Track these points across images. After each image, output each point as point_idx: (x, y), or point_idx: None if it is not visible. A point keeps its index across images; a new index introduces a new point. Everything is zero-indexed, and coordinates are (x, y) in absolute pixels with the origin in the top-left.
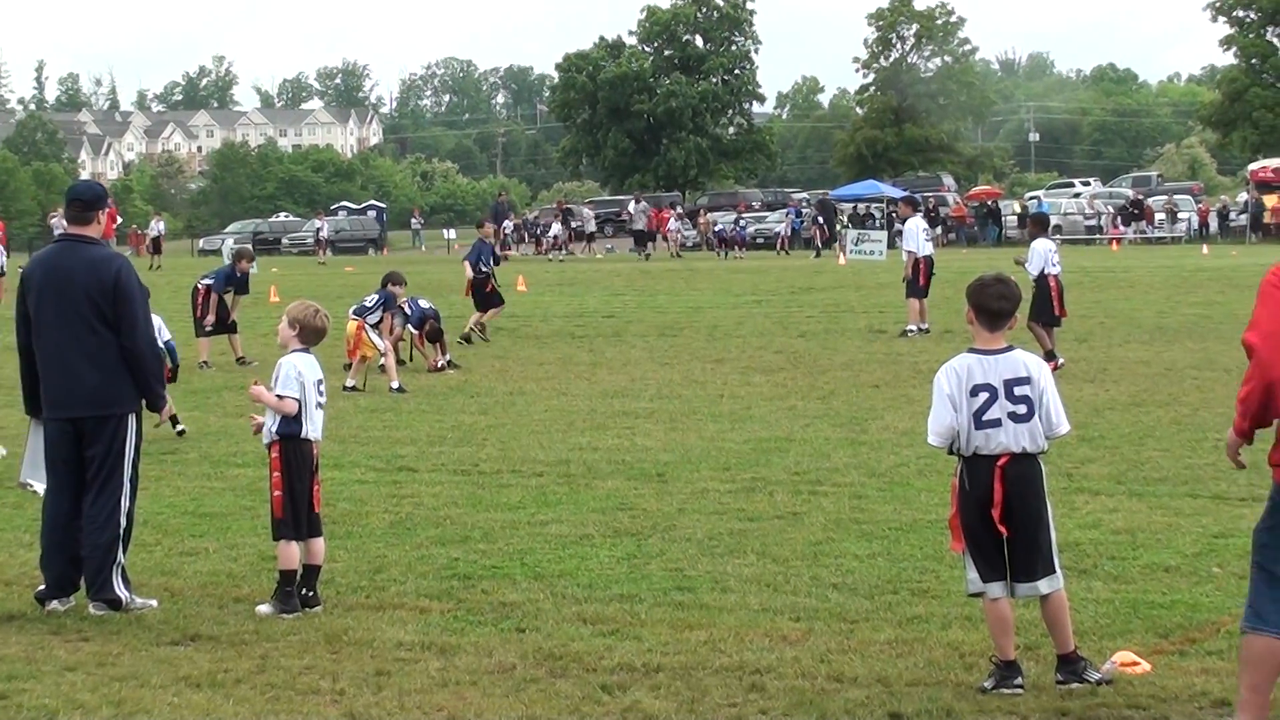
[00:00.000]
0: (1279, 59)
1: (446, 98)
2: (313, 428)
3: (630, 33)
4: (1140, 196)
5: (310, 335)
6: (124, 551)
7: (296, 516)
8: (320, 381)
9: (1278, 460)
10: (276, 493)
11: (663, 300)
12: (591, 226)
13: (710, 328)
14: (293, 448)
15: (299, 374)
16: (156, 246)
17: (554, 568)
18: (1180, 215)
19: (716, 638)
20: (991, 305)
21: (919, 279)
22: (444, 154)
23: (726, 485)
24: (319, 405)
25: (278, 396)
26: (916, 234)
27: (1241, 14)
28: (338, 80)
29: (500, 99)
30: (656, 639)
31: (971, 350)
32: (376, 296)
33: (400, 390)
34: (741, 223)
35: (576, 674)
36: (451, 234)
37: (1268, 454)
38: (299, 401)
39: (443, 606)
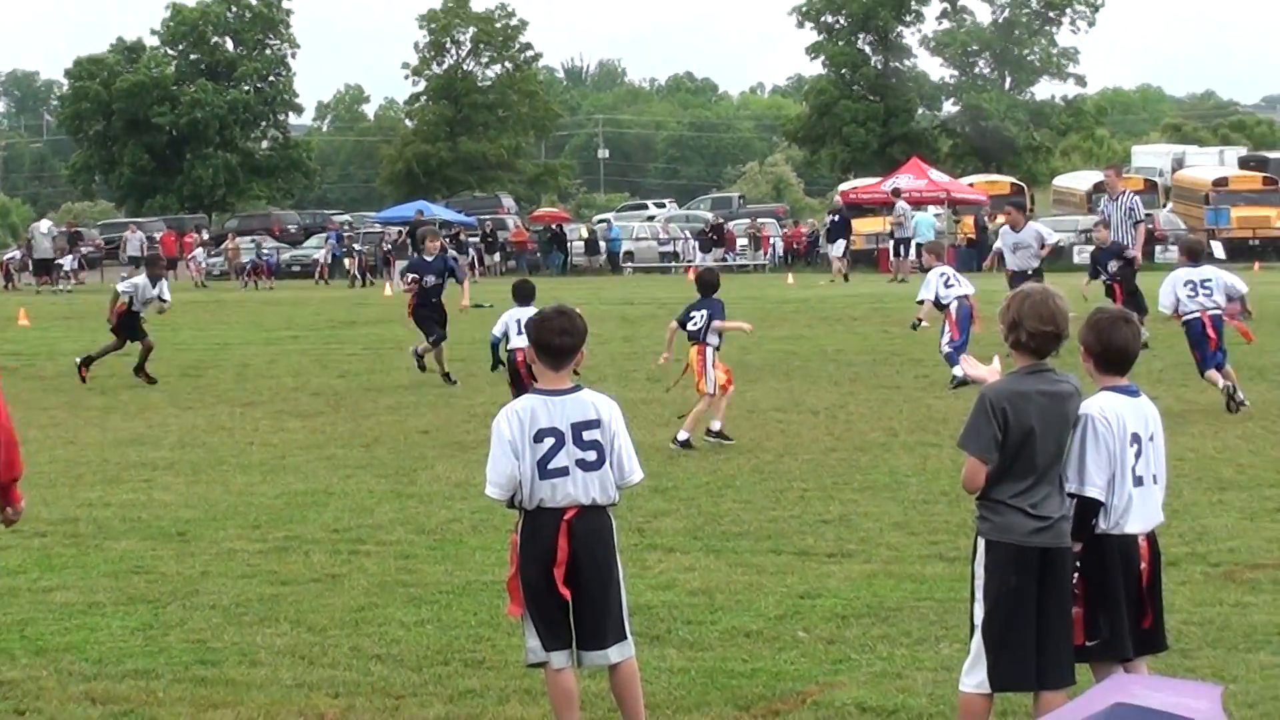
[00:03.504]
0: (870, 69)
1: None
2: None
3: (153, 33)
4: (720, 220)
5: None
6: None
7: None
8: None
9: None
10: None
11: (186, 336)
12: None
13: (239, 367)
14: None
15: None
16: None
17: (59, 640)
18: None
19: (244, 717)
20: (553, 341)
21: None
22: None
23: (256, 545)
24: None
25: None
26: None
27: (830, 19)
28: None
29: (1, 107)
30: None
31: (535, 391)
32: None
33: None
34: (267, 251)
35: None
36: None
37: None
38: None
39: None
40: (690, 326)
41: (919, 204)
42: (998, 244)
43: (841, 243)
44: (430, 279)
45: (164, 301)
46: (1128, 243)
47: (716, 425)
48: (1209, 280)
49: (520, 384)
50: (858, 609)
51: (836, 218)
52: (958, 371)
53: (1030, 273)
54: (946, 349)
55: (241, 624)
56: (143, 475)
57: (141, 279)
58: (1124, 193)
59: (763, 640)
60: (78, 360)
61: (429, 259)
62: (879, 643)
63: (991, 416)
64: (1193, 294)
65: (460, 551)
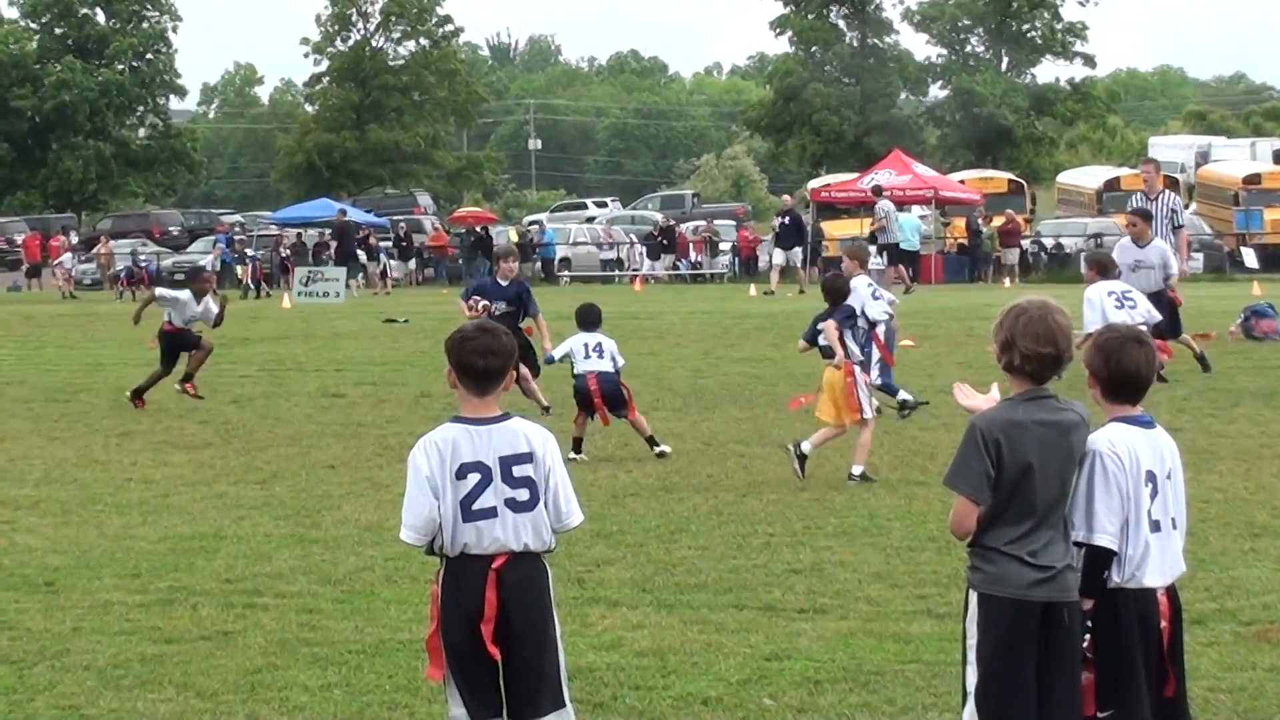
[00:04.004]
0: (845, 47)
1: None
2: None
3: (11, 3)
4: (671, 222)
5: None
6: None
7: None
8: None
9: None
10: None
11: (52, 355)
12: None
13: (115, 391)
14: None
15: None
16: None
17: None
18: (722, 246)
19: None
20: (476, 363)
21: None
22: None
23: (136, 596)
24: None
25: None
26: None
27: None
28: None
29: None
30: None
31: (457, 419)
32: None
33: None
34: (145, 256)
35: None
36: None
37: None
38: None
39: None
40: (821, 341)
41: (902, 204)
42: (1116, 255)
43: (798, 251)
44: (501, 306)
45: (212, 321)
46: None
47: (856, 469)
48: (1129, 292)
49: (590, 409)
50: (833, 673)
51: (786, 220)
52: (904, 396)
53: None
54: (879, 379)
55: (120, 688)
56: (3, 516)
57: (185, 293)
58: (1164, 192)
59: (723, 709)
60: (128, 394)
61: (503, 283)
62: (858, 712)
63: (983, 450)
64: (1119, 305)
65: (372, 605)
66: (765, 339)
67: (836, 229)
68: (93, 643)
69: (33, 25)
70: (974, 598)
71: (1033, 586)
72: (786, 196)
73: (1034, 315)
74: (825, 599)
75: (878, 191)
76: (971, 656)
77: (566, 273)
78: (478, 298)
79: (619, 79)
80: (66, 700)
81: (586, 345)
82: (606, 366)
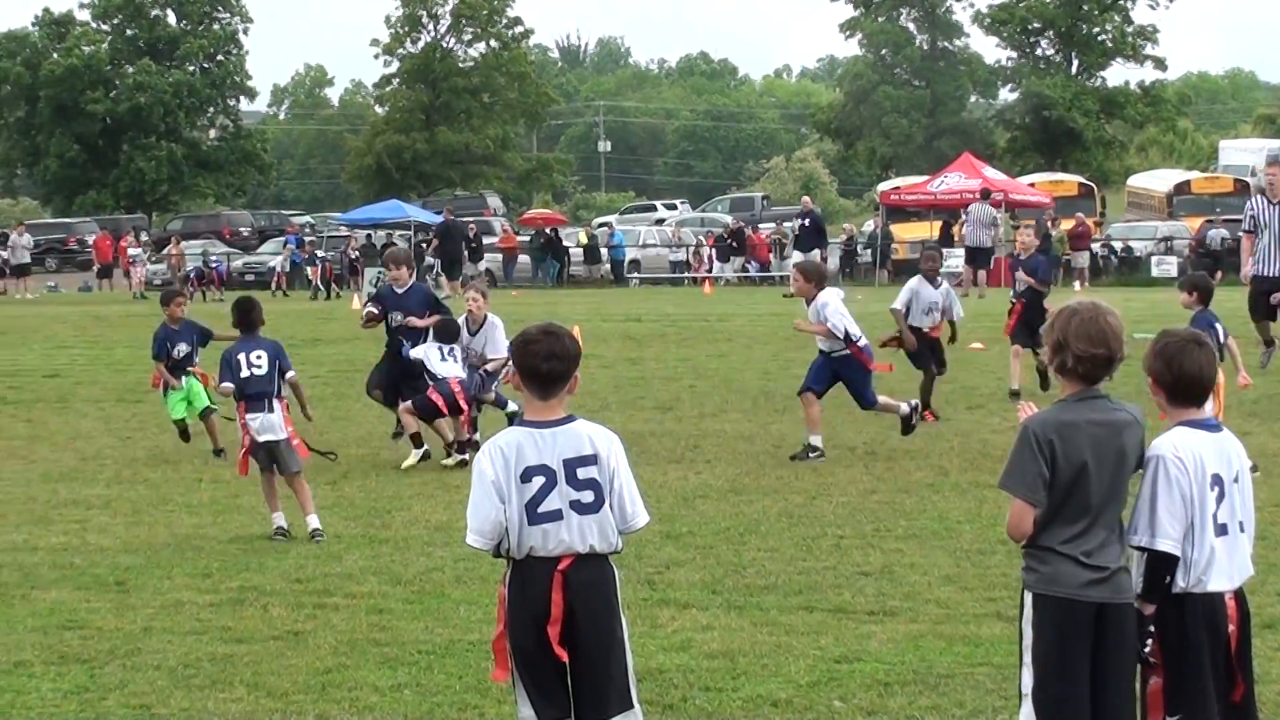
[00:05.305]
0: (915, 50)
1: None
2: None
3: (82, 5)
4: (741, 224)
5: None
6: None
7: None
8: None
9: None
10: None
11: (123, 355)
12: (26, 257)
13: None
14: None
15: None
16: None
17: None
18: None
19: None
20: (540, 366)
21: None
22: None
23: (207, 596)
24: None
25: None
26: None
27: None
28: None
29: None
30: None
31: (521, 423)
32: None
33: None
34: (216, 257)
35: None
36: None
37: None
38: None
39: None
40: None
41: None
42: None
43: (816, 253)
44: (397, 317)
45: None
46: None
47: None
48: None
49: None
50: (902, 675)
51: (806, 221)
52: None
53: None
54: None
55: (190, 687)
56: (75, 515)
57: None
58: None
59: (793, 711)
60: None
61: (399, 291)
62: (927, 714)
63: (1037, 451)
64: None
65: (442, 605)
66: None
67: (906, 232)
68: (164, 642)
69: (104, 27)
70: (1029, 598)
71: (1086, 587)
72: (805, 198)
73: (1086, 317)
74: (895, 601)
75: (986, 195)
76: (1027, 658)
77: (636, 274)
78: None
79: (688, 81)
80: (138, 699)
81: (442, 350)
82: (462, 371)
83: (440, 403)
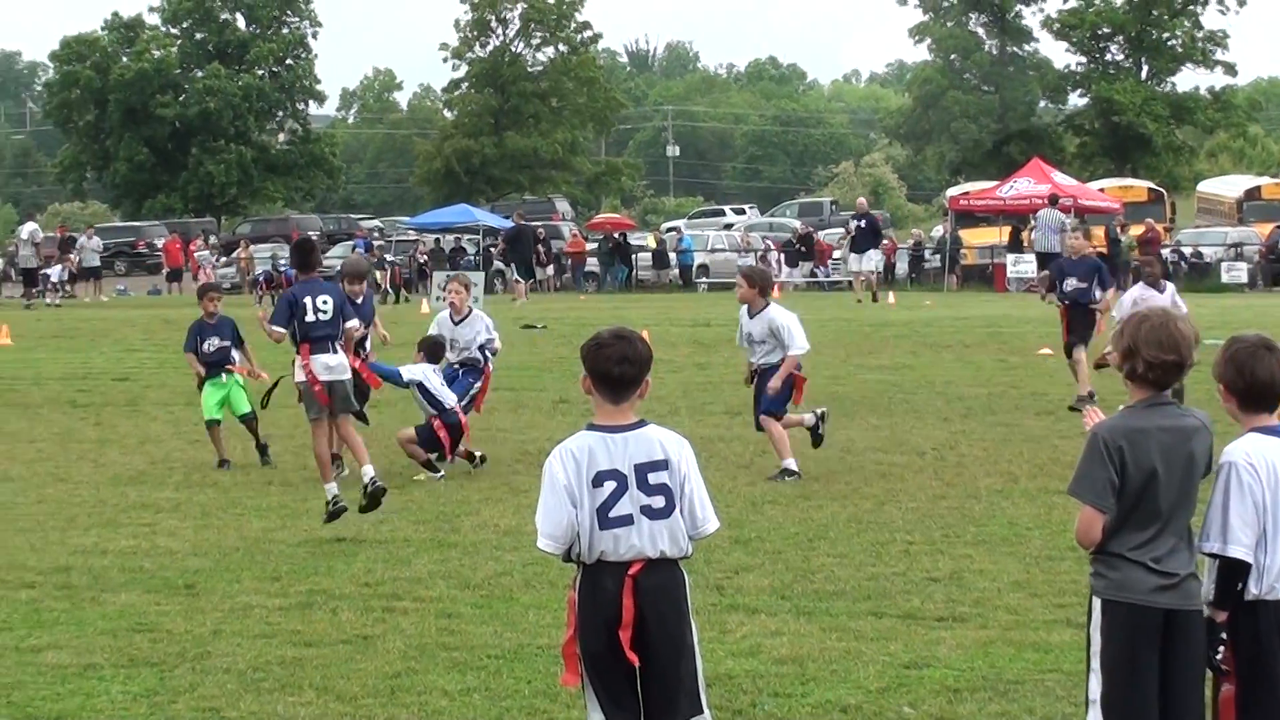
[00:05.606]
0: (984, 55)
1: None
2: None
3: (152, 9)
4: (810, 229)
5: None
6: None
7: None
8: None
9: None
10: None
11: None
12: (96, 260)
13: (254, 393)
14: None
15: None
16: None
17: (50, 707)
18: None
19: None
20: (611, 370)
21: None
22: None
23: (276, 600)
24: None
25: None
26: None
27: None
28: None
29: None
30: None
31: (592, 427)
32: None
33: None
34: (282, 261)
35: None
36: None
37: None
38: None
39: None
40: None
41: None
42: None
43: (873, 253)
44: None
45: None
46: None
47: None
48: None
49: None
50: (972, 681)
51: (863, 223)
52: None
53: None
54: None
55: (260, 690)
56: (144, 518)
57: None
58: None
59: (862, 716)
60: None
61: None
62: None
63: (1106, 458)
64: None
65: (511, 610)
66: (904, 347)
67: (975, 237)
68: (233, 645)
69: (173, 31)
70: (1097, 604)
71: (1155, 593)
72: (861, 199)
73: (1157, 323)
74: (964, 607)
75: (1054, 201)
76: (1095, 664)
77: (704, 279)
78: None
79: (757, 86)
80: (207, 703)
81: (435, 371)
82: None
83: (445, 436)
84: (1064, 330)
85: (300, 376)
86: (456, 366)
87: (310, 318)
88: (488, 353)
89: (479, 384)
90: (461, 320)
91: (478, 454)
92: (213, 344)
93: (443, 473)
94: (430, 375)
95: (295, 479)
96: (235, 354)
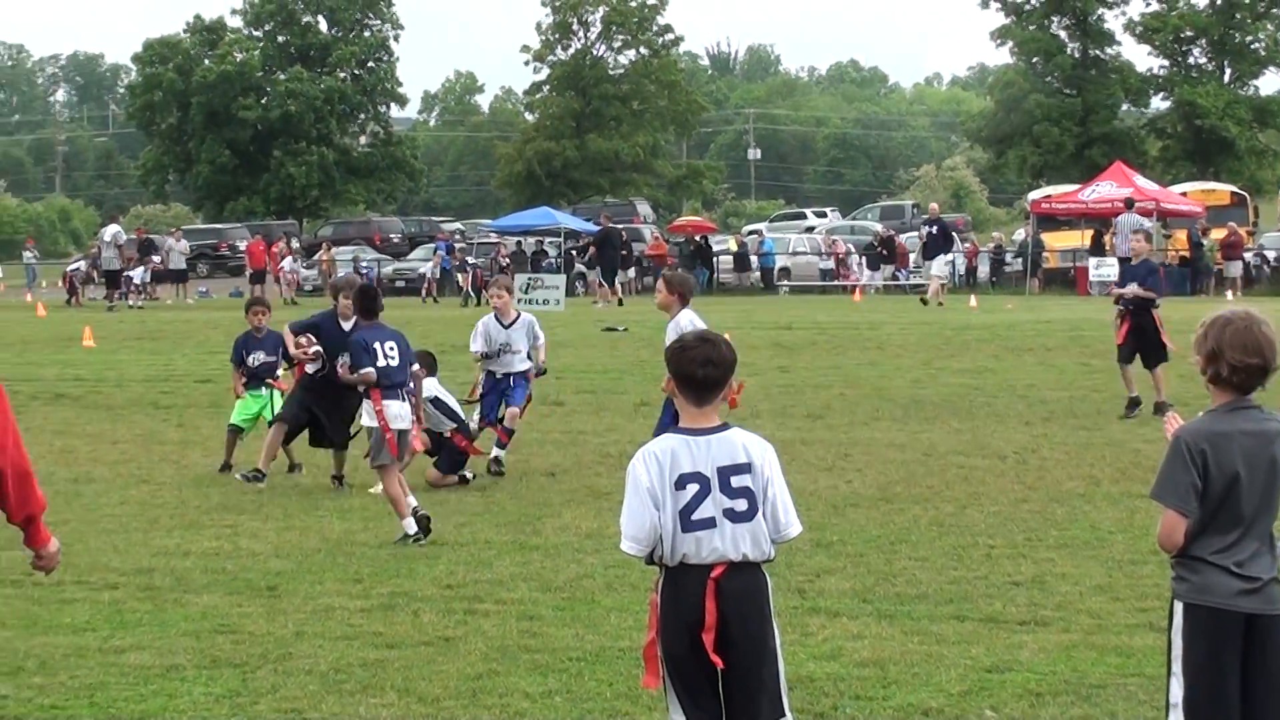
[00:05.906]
0: (1066, 58)
1: None
2: None
3: (234, 12)
4: (891, 232)
5: None
6: None
7: None
8: None
9: None
10: None
11: None
12: (182, 263)
13: None
14: None
15: None
16: None
17: (133, 708)
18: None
19: None
20: (695, 373)
21: None
22: None
23: (358, 602)
24: None
25: None
26: None
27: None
28: None
29: (60, 95)
30: None
31: (677, 430)
32: None
33: None
34: (366, 264)
35: None
36: None
37: None
38: None
39: None
40: None
41: (1116, 217)
42: None
43: (942, 258)
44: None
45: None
46: None
47: None
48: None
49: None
50: (1054, 685)
51: (934, 229)
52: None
53: None
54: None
55: (342, 692)
56: (227, 520)
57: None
58: None
59: (941, 719)
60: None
61: (345, 325)
62: None
63: (1189, 462)
64: None
65: (592, 612)
66: (986, 350)
67: (1057, 240)
68: (315, 647)
69: (255, 34)
70: (1179, 608)
71: (1238, 597)
72: (933, 205)
73: (1240, 326)
74: (1047, 611)
75: (1129, 204)
76: (1176, 668)
77: (786, 282)
78: (310, 338)
79: (838, 89)
80: (289, 704)
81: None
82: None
83: (465, 444)
84: (1121, 332)
85: (371, 421)
86: (501, 376)
87: (381, 363)
88: (535, 353)
89: (530, 387)
90: (511, 324)
91: (469, 474)
92: (257, 358)
93: (473, 475)
94: (440, 388)
95: (375, 480)
96: (280, 369)
